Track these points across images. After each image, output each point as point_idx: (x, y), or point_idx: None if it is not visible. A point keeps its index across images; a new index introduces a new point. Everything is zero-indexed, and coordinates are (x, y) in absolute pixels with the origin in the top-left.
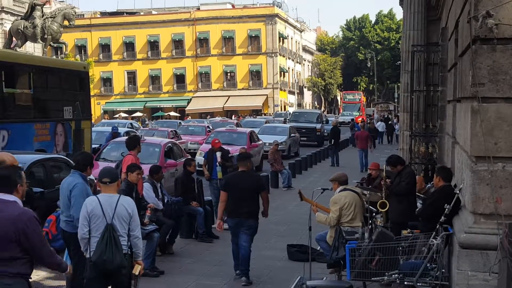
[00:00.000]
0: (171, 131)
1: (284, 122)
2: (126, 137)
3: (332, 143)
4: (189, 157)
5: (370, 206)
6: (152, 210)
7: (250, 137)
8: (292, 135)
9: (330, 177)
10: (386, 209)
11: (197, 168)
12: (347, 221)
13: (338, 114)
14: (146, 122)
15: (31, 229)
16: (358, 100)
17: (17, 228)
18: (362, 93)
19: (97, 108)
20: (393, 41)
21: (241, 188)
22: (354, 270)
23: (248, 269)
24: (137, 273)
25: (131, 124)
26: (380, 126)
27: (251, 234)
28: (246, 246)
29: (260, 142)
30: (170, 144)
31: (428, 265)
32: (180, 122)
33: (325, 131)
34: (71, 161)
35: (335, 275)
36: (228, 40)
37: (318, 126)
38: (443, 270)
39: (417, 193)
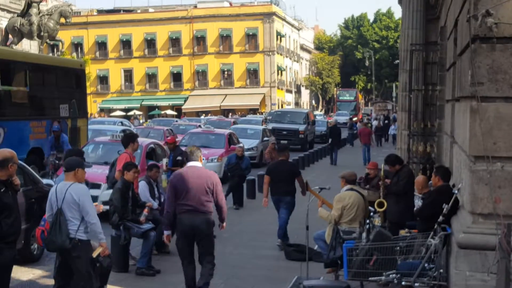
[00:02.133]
0: (167, 129)
1: (263, 122)
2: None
3: (330, 142)
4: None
5: (371, 207)
6: (149, 209)
7: (229, 139)
8: (266, 138)
9: (328, 175)
10: (383, 208)
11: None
12: (346, 221)
13: (333, 114)
14: (141, 121)
15: (217, 182)
16: (353, 98)
17: (212, 181)
18: (358, 90)
19: (93, 106)
20: (391, 40)
21: (280, 172)
22: (351, 270)
23: (283, 234)
24: (94, 255)
25: (121, 122)
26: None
27: (288, 208)
28: (284, 218)
29: (241, 144)
30: (152, 145)
31: (426, 265)
32: (177, 121)
33: (314, 133)
34: None
35: (333, 274)
36: (225, 38)
37: (302, 127)
38: (441, 270)
39: (416, 193)
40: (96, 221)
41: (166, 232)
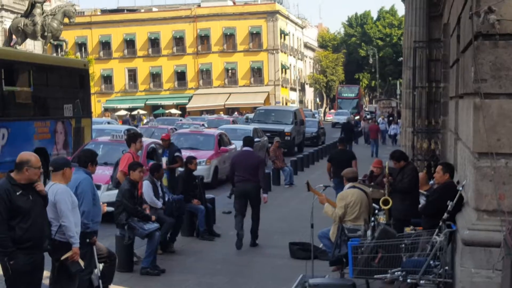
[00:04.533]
0: (171, 128)
1: (246, 121)
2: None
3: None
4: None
5: (372, 203)
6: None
7: (219, 140)
8: (257, 139)
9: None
10: (389, 206)
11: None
12: (350, 219)
13: (333, 111)
14: (146, 120)
15: (261, 162)
16: (355, 95)
17: (259, 160)
18: (360, 87)
19: (97, 105)
20: (395, 37)
21: (340, 159)
22: (356, 267)
23: None
24: (62, 258)
25: (108, 122)
26: (383, 125)
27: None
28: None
29: (233, 146)
30: (153, 145)
31: (431, 262)
32: (181, 119)
33: (304, 134)
34: None
35: (338, 272)
36: (229, 37)
37: (288, 128)
38: (447, 267)
39: (420, 191)
40: (69, 223)
41: (228, 195)
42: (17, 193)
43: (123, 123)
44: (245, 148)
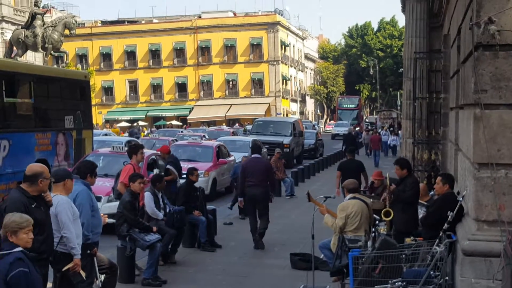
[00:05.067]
0: (172, 140)
1: (244, 133)
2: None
3: (344, 149)
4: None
5: (373, 214)
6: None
7: (217, 152)
8: None
9: (333, 185)
10: (390, 218)
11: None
12: (351, 230)
13: (333, 122)
14: (147, 132)
15: (270, 168)
16: (355, 106)
17: (267, 166)
18: (361, 97)
19: (98, 117)
20: (395, 48)
21: (349, 168)
22: (357, 278)
23: None
24: (64, 269)
25: (105, 134)
26: (386, 136)
27: None
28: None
29: (232, 158)
30: (153, 157)
31: (431, 272)
32: (182, 131)
33: (302, 146)
34: None
35: (339, 283)
36: (229, 48)
37: (287, 140)
38: (447, 278)
39: (420, 201)
40: (70, 234)
41: (240, 199)
42: (33, 206)
43: (130, 134)
44: (254, 155)
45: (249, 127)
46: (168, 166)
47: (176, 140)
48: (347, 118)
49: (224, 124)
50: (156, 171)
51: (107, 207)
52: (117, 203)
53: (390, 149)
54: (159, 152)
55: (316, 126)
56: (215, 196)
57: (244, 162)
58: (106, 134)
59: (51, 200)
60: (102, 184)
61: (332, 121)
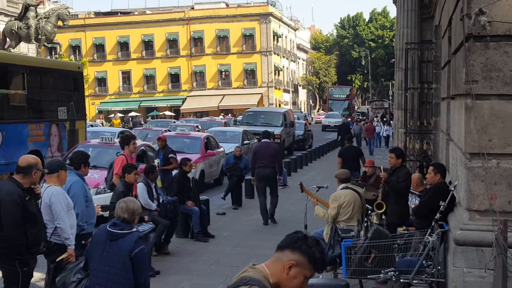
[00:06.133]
0: (165, 130)
1: (235, 123)
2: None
3: (339, 139)
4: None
5: (366, 204)
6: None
7: (206, 143)
8: (246, 142)
9: (327, 173)
10: (382, 210)
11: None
12: (344, 219)
13: (323, 112)
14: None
15: (278, 151)
16: (346, 96)
17: (275, 150)
18: (352, 87)
19: (91, 108)
20: (387, 39)
21: (349, 154)
22: (350, 268)
23: None
24: (57, 259)
25: (91, 125)
26: (378, 127)
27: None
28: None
29: (221, 149)
30: (143, 147)
31: (424, 262)
32: (174, 122)
33: (294, 136)
34: None
35: (331, 273)
36: (222, 39)
37: (278, 130)
38: (439, 267)
39: (413, 191)
40: (64, 225)
41: (252, 178)
42: (27, 198)
43: (134, 124)
44: (264, 140)
45: (240, 118)
46: (171, 155)
47: (170, 131)
48: (338, 108)
49: (223, 114)
50: (156, 161)
51: (96, 199)
52: (105, 195)
53: (383, 139)
54: (149, 143)
55: (307, 116)
56: (204, 188)
57: (255, 146)
58: (91, 126)
59: (40, 193)
60: (91, 176)
61: (322, 111)
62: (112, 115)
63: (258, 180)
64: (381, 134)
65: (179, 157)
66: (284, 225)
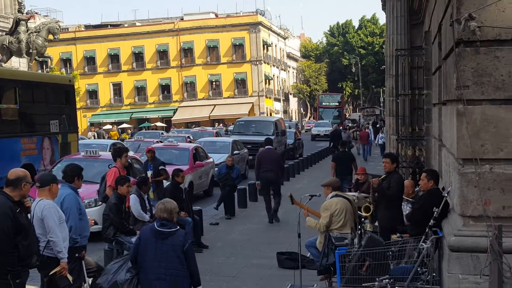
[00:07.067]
0: (156, 141)
1: (226, 133)
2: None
3: (332, 145)
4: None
5: (359, 212)
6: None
7: (194, 154)
8: (236, 152)
9: (318, 183)
10: (369, 213)
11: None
12: (337, 227)
13: (313, 120)
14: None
15: (280, 157)
16: (337, 103)
17: (278, 156)
18: (343, 95)
19: (83, 120)
20: (377, 45)
21: (342, 159)
22: (344, 276)
23: None
24: (51, 273)
25: (81, 138)
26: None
27: (347, 182)
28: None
29: (210, 160)
30: (129, 160)
31: (418, 269)
32: (163, 133)
33: (285, 145)
34: None
35: (326, 281)
36: (212, 49)
37: None
38: (434, 274)
39: (405, 197)
40: (57, 238)
41: (257, 182)
42: (17, 210)
43: (131, 135)
44: (267, 147)
45: (231, 128)
46: (161, 167)
47: (161, 142)
48: (329, 116)
49: (220, 124)
50: (149, 173)
51: None
52: (94, 209)
53: (379, 147)
54: (136, 156)
55: (298, 125)
56: (193, 199)
57: (259, 153)
58: (81, 138)
59: (30, 206)
60: None
61: (313, 119)
62: (107, 127)
63: (262, 183)
64: (376, 142)
65: (169, 168)
66: (277, 234)
